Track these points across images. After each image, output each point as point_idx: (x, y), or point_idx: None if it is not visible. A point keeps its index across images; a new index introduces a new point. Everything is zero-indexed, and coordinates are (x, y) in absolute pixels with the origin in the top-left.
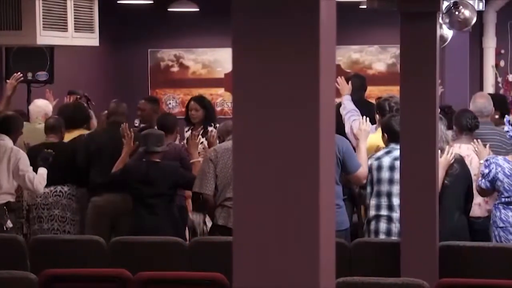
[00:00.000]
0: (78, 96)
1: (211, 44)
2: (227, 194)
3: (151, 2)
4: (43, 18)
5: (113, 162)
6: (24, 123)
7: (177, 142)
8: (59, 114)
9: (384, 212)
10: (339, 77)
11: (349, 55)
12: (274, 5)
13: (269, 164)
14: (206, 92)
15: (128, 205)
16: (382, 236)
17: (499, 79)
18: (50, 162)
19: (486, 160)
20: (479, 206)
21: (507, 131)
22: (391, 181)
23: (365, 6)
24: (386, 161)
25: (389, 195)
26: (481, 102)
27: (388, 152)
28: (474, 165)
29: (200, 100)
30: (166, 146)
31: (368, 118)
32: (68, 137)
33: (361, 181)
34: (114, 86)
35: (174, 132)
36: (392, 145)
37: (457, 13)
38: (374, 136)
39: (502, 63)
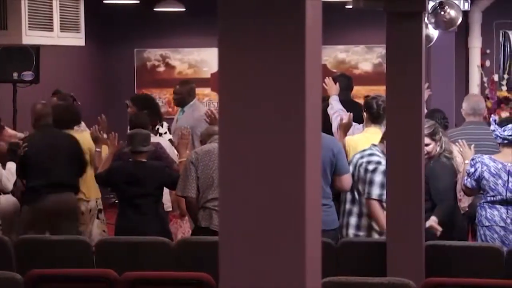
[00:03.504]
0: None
1: (198, 44)
2: (208, 196)
3: (137, 2)
4: (28, 17)
5: (53, 165)
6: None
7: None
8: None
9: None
10: (327, 77)
11: (335, 55)
12: (260, 5)
13: (255, 164)
14: None
15: (70, 207)
16: (352, 231)
17: (485, 79)
18: (19, 154)
19: (472, 159)
20: None
21: (493, 130)
22: (364, 182)
23: (351, 6)
24: (364, 161)
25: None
26: (475, 100)
27: (371, 155)
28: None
29: (134, 98)
30: (152, 146)
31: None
32: None
33: (344, 187)
34: (100, 86)
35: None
36: (375, 148)
37: (442, 13)
38: (361, 137)
39: (487, 63)
